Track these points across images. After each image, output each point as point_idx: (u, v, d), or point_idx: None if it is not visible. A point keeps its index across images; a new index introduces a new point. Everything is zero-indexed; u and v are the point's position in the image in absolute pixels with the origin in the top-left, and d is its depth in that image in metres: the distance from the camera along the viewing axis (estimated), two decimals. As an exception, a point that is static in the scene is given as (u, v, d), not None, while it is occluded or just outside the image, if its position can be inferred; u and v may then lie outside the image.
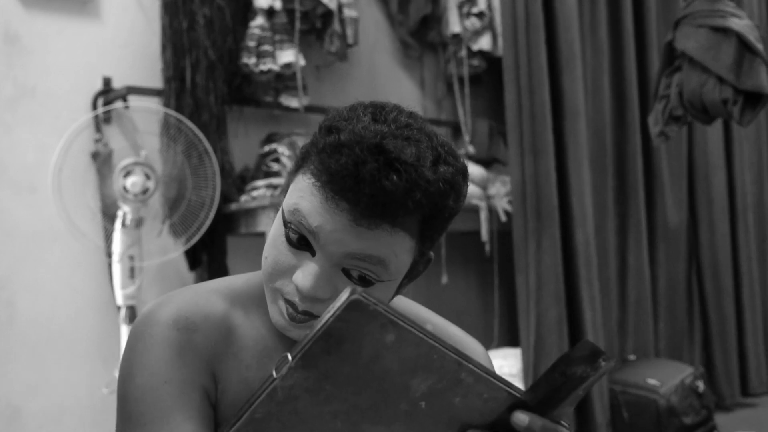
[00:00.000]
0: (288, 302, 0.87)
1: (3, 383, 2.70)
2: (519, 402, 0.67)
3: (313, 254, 0.85)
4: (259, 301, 0.98)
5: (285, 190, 0.94)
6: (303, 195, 0.85)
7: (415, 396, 0.64)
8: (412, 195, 0.81)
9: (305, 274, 0.84)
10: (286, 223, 0.87)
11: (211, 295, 0.96)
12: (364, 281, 0.85)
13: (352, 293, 0.59)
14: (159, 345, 0.90)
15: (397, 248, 0.84)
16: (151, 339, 0.90)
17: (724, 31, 2.49)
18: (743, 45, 2.48)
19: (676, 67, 2.61)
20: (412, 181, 0.80)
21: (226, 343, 0.94)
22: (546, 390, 0.66)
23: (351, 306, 0.58)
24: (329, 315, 0.59)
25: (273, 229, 0.90)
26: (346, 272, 0.85)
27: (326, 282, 0.85)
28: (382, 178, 0.79)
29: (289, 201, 0.87)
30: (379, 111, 0.86)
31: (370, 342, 0.60)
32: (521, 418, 0.66)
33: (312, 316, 0.87)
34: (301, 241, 0.86)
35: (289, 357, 0.60)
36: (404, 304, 1.08)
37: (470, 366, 0.64)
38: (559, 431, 0.67)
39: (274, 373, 0.61)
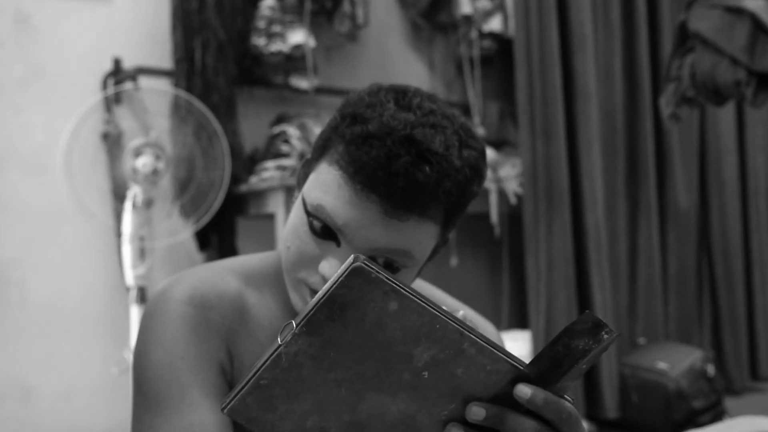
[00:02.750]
0: (313, 291, 0.87)
1: (14, 363, 2.72)
2: (521, 375, 0.67)
3: (338, 244, 0.85)
4: (273, 281, 0.98)
5: (303, 176, 0.93)
6: (328, 189, 0.84)
7: (418, 366, 0.64)
8: (443, 185, 0.82)
9: (332, 264, 0.84)
10: (309, 213, 0.86)
11: (225, 274, 0.96)
12: (390, 268, 0.85)
13: (355, 260, 0.59)
14: (174, 321, 0.90)
15: (422, 237, 0.85)
16: (167, 316, 0.90)
17: (738, 12, 2.47)
18: (757, 26, 2.45)
19: (689, 48, 2.58)
20: (443, 171, 0.81)
21: (241, 321, 0.94)
22: (548, 363, 0.66)
23: (353, 273, 0.59)
24: (332, 282, 0.59)
25: (293, 217, 0.90)
26: (372, 259, 0.84)
27: None
28: (414, 170, 0.80)
29: (311, 193, 0.86)
30: (401, 96, 0.85)
31: (373, 309, 0.60)
32: (524, 391, 0.65)
33: None
34: (325, 231, 0.85)
35: (294, 324, 0.60)
36: (421, 285, 1.08)
37: (472, 337, 0.64)
38: (562, 404, 0.67)
39: (279, 339, 0.61)
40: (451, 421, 0.68)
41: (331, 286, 0.59)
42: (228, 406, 0.64)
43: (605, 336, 0.64)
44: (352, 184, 0.82)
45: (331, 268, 0.84)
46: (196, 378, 0.87)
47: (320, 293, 0.60)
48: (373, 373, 0.64)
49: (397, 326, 0.62)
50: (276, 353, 0.61)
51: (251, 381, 0.63)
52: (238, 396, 0.63)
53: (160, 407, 0.86)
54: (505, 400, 0.67)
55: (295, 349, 0.61)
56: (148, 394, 0.88)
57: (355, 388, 0.64)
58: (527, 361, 0.68)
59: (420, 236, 0.84)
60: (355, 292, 0.59)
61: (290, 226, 0.90)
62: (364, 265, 0.59)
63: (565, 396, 0.68)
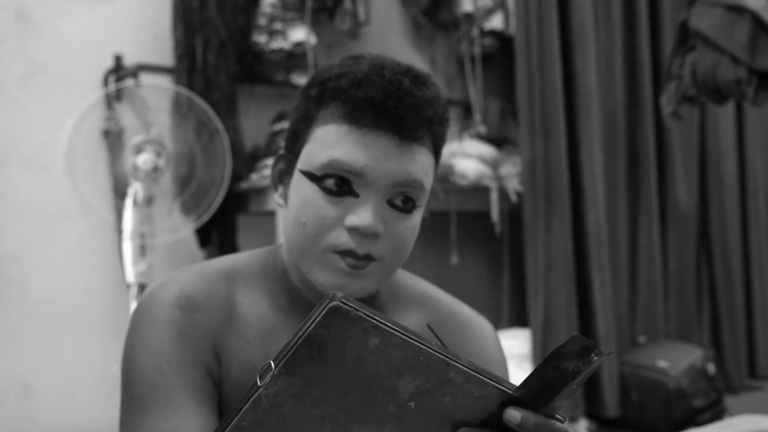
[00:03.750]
0: (344, 253, 0.87)
1: (15, 360, 2.72)
2: (511, 398, 0.67)
3: (357, 195, 0.87)
4: (262, 278, 0.99)
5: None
6: (335, 143, 0.87)
7: (404, 397, 0.64)
8: (437, 103, 0.90)
9: (360, 213, 0.86)
10: (318, 178, 0.88)
11: (213, 275, 0.96)
12: (405, 209, 0.89)
13: (331, 299, 0.57)
14: (161, 325, 0.90)
15: (427, 167, 0.90)
16: (153, 319, 0.91)
17: (739, 10, 2.46)
18: (758, 24, 2.45)
19: (690, 46, 2.58)
20: (434, 92, 0.90)
21: (229, 321, 0.94)
22: (538, 385, 0.66)
23: (331, 312, 0.57)
24: (310, 321, 0.58)
25: (297, 195, 0.90)
26: (390, 202, 0.89)
27: (379, 216, 0.87)
28: (417, 90, 0.87)
29: (316, 157, 0.88)
30: (360, 57, 0.93)
31: (353, 346, 0.59)
32: (514, 414, 0.66)
33: (371, 260, 0.88)
34: (341, 187, 0.87)
35: (272, 364, 0.60)
36: (412, 281, 1.07)
37: (459, 365, 0.64)
38: (553, 426, 0.67)
39: (258, 381, 0.60)
40: None
41: (309, 326, 0.58)
42: None
43: (595, 357, 0.64)
44: (357, 127, 0.86)
45: (361, 216, 0.86)
46: (182, 381, 0.88)
47: (297, 333, 0.59)
48: (357, 407, 0.63)
49: (379, 361, 0.61)
50: (256, 395, 0.60)
51: (233, 423, 0.62)
52: None
53: (146, 410, 0.86)
54: (496, 423, 0.67)
55: (275, 390, 0.60)
56: (134, 397, 0.88)
57: (340, 423, 0.64)
58: (532, 367, 0.67)
59: (426, 166, 0.90)
60: (333, 331, 0.58)
61: (299, 202, 0.90)
62: (341, 303, 0.57)
63: (556, 415, 0.69)
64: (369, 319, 0.58)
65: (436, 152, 0.93)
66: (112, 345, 2.83)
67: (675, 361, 3.19)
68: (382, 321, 0.59)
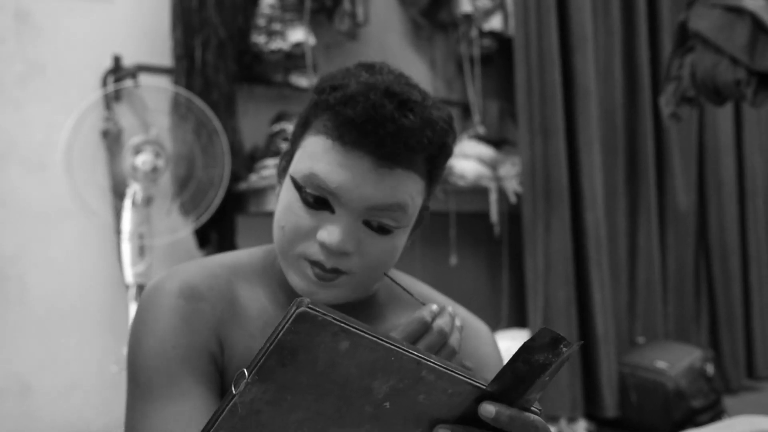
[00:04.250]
0: (313, 263, 0.89)
1: (14, 360, 2.71)
2: (485, 393, 0.68)
3: (333, 211, 0.88)
4: (262, 273, 1.01)
5: (284, 168, 0.97)
6: (318, 157, 0.88)
7: (378, 397, 0.64)
8: (426, 131, 0.87)
9: (330, 231, 0.87)
10: (300, 188, 0.89)
11: (215, 268, 0.99)
12: (383, 230, 0.89)
13: (299, 305, 0.58)
14: (166, 313, 0.92)
15: (412, 191, 0.89)
16: (159, 308, 0.93)
17: (738, 11, 2.47)
18: (757, 25, 2.45)
19: (689, 47, 2.58)
20: (425, 119, 0.87)
21: (232, 312, 0.96)
22: (511, 379, 0.67)
23: (299, 318, 0.58)
24: (279, 328, 0.58)
25: (283, 197, 0.93)
26: (367, 223, 0.89)
27: (351, 236, 0.88)
28: (400, 117, 0.85)
29: (301, 166, 0.90)
30: (370, 68, 0.92)
31: (324, 351, 0.60)
32: (488, 409, 0.67)
33: (340, 273, 0.89)
34: (318, 201, 0.88)
35: (246, 372, 0.60)
36: (409, 283, 1.08)
37: (430, 363, 0.64)
38: (528, 419, 0.68)
39: (233, 389, 0.60)
40: None
41: (279, 333, 0.58)
42: None
43: (564, 349, 0.65)
44: (341, 144, 0.86)
45: (331, 235, 0.87)
46: (187, 367, 0.90)
47: (268, 340, 0.59)
48: (333, 410, 0.64)
49: (351, 364, 0.61)
50: (231, 403, 0.61)
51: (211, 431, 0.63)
52: None
53: (153, 395, 0.88)
54: (472, 419, 0.68)
55: (250, 397, 0.60)
56: (140, 383, 0.90)
57: (318, 426, 0.64)
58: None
59: (410, 188, 0.88)
60: (303, 336, 0.59)
61: (282, 206, 0.92)
62: (308, 309, 0.58)
63: (532, 407, 0.70)
64: (337, 323, 0.59)
65: (431, 174, 0.92)
66: (111, 345, 2.83)
67: (674, 361, 3.19)
68: (350, 324, 0.60)
